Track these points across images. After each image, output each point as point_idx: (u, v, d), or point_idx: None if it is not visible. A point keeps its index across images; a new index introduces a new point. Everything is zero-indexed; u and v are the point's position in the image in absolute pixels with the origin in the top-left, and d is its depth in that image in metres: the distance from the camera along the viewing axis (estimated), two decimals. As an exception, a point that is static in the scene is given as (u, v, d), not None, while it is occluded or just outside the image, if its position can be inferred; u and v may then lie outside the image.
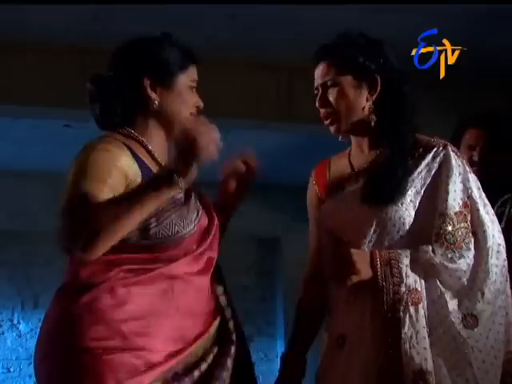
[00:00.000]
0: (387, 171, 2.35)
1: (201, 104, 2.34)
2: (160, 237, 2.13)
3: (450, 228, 2.32)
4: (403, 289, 2.28)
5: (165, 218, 2.14)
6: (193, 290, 2.20)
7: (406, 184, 2.34)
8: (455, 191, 2.35)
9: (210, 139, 2.08)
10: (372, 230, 2.34)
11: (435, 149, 2.39)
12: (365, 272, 2.28)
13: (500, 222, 3.04)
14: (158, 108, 2.26)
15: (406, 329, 2.25)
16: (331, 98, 2.41)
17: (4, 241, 7.07)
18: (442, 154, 2.38)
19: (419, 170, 2.36)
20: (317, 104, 2.45)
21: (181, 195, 2.20)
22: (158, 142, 2.29)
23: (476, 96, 4.89)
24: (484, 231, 2.36)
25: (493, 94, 4.98)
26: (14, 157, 6.54)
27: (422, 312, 2.27)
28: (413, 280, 2.29)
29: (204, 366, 2.17)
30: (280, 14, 4.19)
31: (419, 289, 2.29)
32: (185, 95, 2.29)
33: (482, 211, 2.38)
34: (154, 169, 2.23)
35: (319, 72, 2.44)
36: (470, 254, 2.33)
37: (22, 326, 7.30)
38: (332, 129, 2.44)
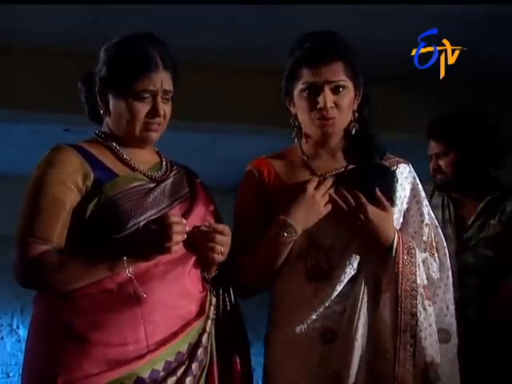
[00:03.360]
0: (386, 174, 2.36)
1: (157, 113, 2.21)
2: (109, 228, 2.11)
3: (432, 239, 2.41)
4: (419, 281, 2.29)
5: (115, 208, 2.11)
6: (158, 283, 2.13)
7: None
8: (426, 206, 2.42)
9: (165, 235, 2.06)
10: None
11: (400, 164, 2.43)
12: (382, 223, 2.28)
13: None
14: (111, 115, 2.24)
15: (422, 318, 2.26)
16: (341, 100, 2.33)
17: (4, 245, 7.03)
18: (407, 170, 2.43)
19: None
20: (322, 102, 2.31)
21: (150, 185, 2.20)
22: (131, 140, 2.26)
23: (476, 96, 4.89)
24: (444, 247, 2.44)
25: (493, 94, 4.99)
26: (14, 161, 6.54)
27: (431, 309, 2.30)
28: (424, 276, 2.32)
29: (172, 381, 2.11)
30: (279, 20, 4.19)
31: (427, 286, 2.32)
32: (133, 108, 2.20)
33: (439, 228, 2.46)
34: (116, 167, 2.20)
35: (330, 69, 2.33)
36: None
37: (21, 331, 7.29)
38: (329, 129, 2.34)
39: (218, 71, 4.72)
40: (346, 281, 2.29)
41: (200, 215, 2.25)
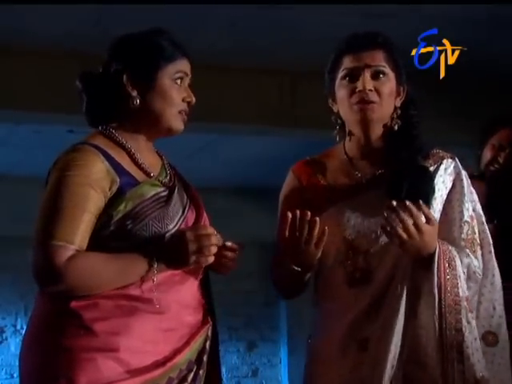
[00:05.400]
0: (423, 175, 2.30)
1: (192, 99, 2.22)
2: (135, 237, 2.09)
3: (473, 236, 2.34)
4: (461, 293, 2.22)
5: (142, 218, 2.09)
6: (175, 292, 2.13)
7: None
8: (468, 202, 2.36)
9: (202, 247, 2.08)
10: None
11: (445, 160, 2.38)
12: (432, 239, 2.20)
13: None
14: (141, 106, 2.17)
15: (468, 333, 2.19)
16: (381, 86, 2.33)
17: (7, 246, 7.07)
18: (452, 166, 2.38)
19: (435, 180, 2.34)
20: (361, 85, 2.31)
21: (165, 193, 2.17)
22: (141, 142, 2.22)
23: (476, 96, 4.90)
24: (490, 244, 2.38)
25: (493, 94, 5.00)
26: (17, 162, 6.56)
27: (474, 322, 2.23)
28: (466, 287, 2.25)
29: None
30: (279, 20, 4.20)
31: (469, 298, 2.25)
32: (169, 92, 2.18)
33: (485, 225, 2.40)
34: (134, 171, 2.16)
35: (370, 55, 2.34)
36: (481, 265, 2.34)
37: (25, 332, 7.31)
38: (367, 113, 2.32)
39: (219, 72, 4.74)
40: (383, 284, 2.25)
41: (206, 223, 2.26)
